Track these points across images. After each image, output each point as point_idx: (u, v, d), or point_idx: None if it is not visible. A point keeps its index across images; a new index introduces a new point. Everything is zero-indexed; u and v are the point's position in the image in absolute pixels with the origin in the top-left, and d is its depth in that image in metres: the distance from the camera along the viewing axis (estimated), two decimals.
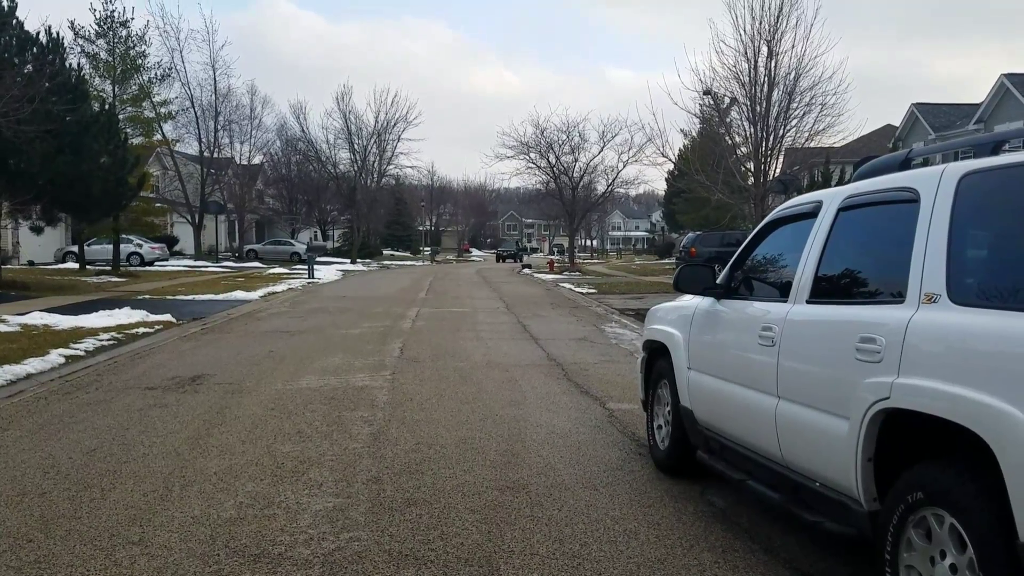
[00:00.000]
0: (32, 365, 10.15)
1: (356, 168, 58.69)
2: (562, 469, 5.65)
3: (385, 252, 76.39)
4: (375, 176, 61.26)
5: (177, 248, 49.25)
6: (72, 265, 34.99)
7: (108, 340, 12.83)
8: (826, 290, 3.93)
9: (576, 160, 49.54)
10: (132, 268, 35.52)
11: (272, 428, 6.82)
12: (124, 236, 37.93)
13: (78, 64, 24.01)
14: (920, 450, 3.21)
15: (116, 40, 32.51)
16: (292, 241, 56.11)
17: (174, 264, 41.10)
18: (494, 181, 79.75)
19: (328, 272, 36.23)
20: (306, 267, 34.92)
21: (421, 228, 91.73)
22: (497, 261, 69.81)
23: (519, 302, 21.37)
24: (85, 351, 11.69)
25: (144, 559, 4.01)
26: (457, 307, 19.66)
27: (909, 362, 3.11)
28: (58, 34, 22.83)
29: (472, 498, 4.98)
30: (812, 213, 4.25)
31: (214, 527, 4.46)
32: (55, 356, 10.91)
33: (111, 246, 32.81)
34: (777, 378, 4.10)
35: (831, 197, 4.17)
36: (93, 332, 13.40)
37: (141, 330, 14.17)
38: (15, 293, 21.29)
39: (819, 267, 4.00)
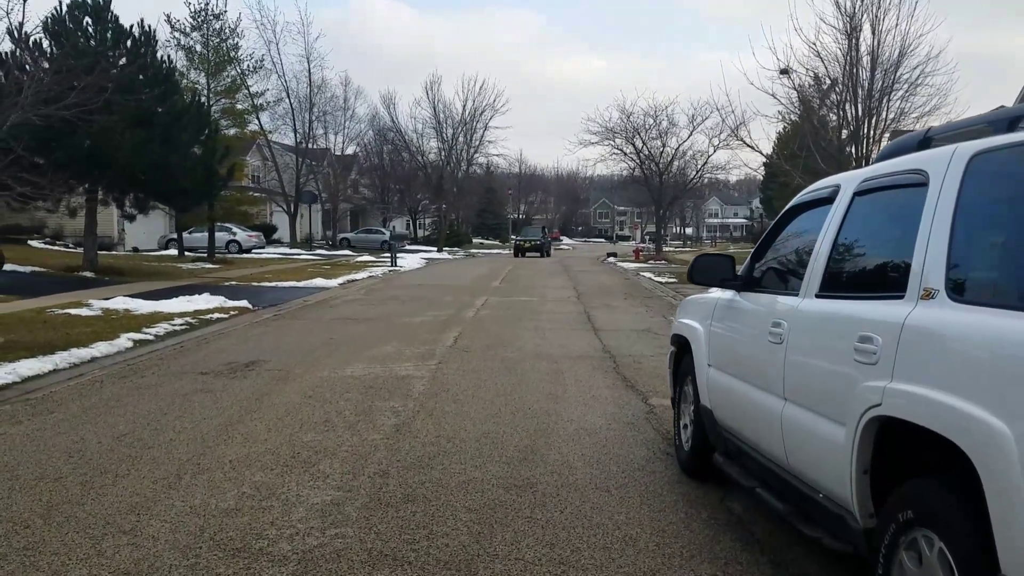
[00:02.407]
0: (99, 349, 10.50)
1: (443, 157, 59.23)
2: (579, 468, 5.41)
3: (475, 240, 76.93)
4: (463, 164, 61.69)
5: (276, 236, 50.79)
6: (172, 252, 36.53)
7: (181, 325, 13.20)
8: (835, 283, 3.58)
9: (664, 145, 48.62)
10: (228, 255, 36.78)
11: (302, 416, 6.81)
12: (223, 225, 39.38)
13: (168, 56, 24.82)
14: (917, 463, 2.87)
15: (210, 32, 33.63)
16: (383, 230, 57.07)
17: (269, 252, 42.37)
18: (586, 169, 79.08)
19: (412, 260, 36.64)
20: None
21: (511, 216, 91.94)
22: (516, 255, 49.75)
23: (592, 291, 21.05)
24: (155, 336, 12.05)
25: (128, 549, 4.00)
26: (526, 296, 19.50)
27: (903, 365, 2.78)
28: (150, 27, 23.76)
29: (474, 496, 4.80)
30: (830, 198, 3.89)
31: (207, 518, 4.42)
32: (124, 340, 11.26)
33: (215, 233, 34.11)
34: (784, 378, 3.78)
35: (849, 181, 3.81)
36: (169, 317, 13.82)
37: (216, 315, 14.54)
38: (109, 278, 22.29)
39: (830, 258, 3.65)
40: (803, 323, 3.67)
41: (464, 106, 59.79)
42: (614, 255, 47.20)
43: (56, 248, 33.21)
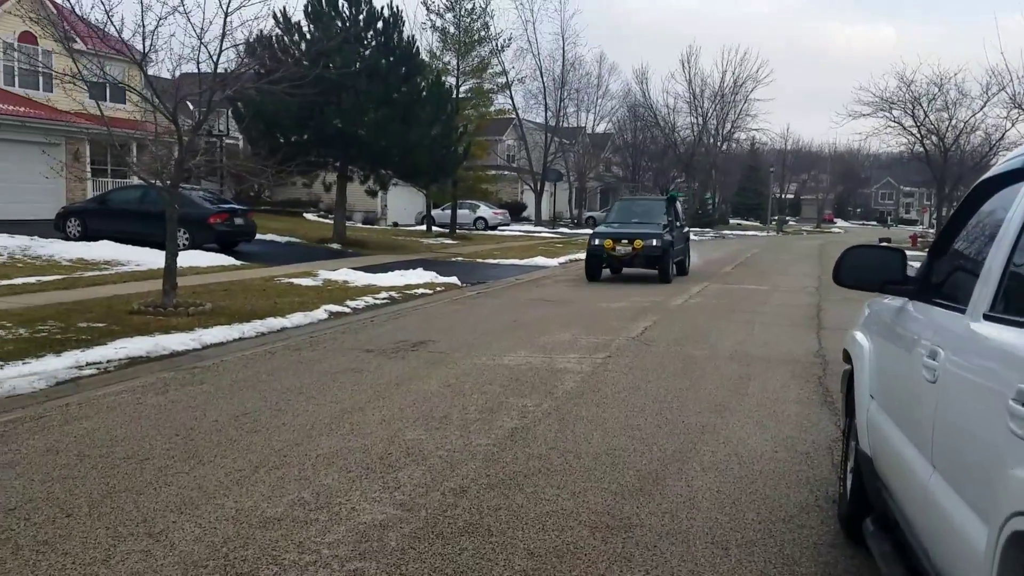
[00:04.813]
0: (293, 320, 10.72)
1: (696, 132, 56.94)
2: (703, 509, 4.31)
3: (732, 221, 73.62)
4: (719, 140, 58.98)
5: (526, 214, 51.68)
6: (423, 228, 38.25)
7: (383, 299, 13.33)
8: (1011, 300, 2.29)
9: (951, 118, 43.07)
10: (472, 232, 37.83)
11: (425, 409, 6.24)
12: (471, 202, 40.68)
13: (412, 36, 25.57)
14: None
15: (461, 13, 34.46)
16: None
17: (513, 229, 43.09)
18: (867, 145, 72.06)
19: None
20: None
21: (775, 196, 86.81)
22: (588, 273, 17.85)
23: None
24: (352, 308, 12.19)
25: (136, 558, 3.59)
26: (756, 284, 17.78)
27: None
28: (399, 8, 24.66)
29: (548, 535, 3.91)
30: (1022, 172, 2.55)
31: (241, 527, 3.94)
32: (321, 312, 11.47)
33: (461, 210, 35.28)
34: (933, 435, 2.54)
35: None
36: (376, 291, 14.05)
37: (420, 291, 14.59)
38: (352, 251, 23.52)
39: (1008, 262, 2.35)
40: (960, 357, 2.41)
41: (723, 78, 57.05)
42: (886, 241, 42.75)
43: (326, 221, 35.87)
